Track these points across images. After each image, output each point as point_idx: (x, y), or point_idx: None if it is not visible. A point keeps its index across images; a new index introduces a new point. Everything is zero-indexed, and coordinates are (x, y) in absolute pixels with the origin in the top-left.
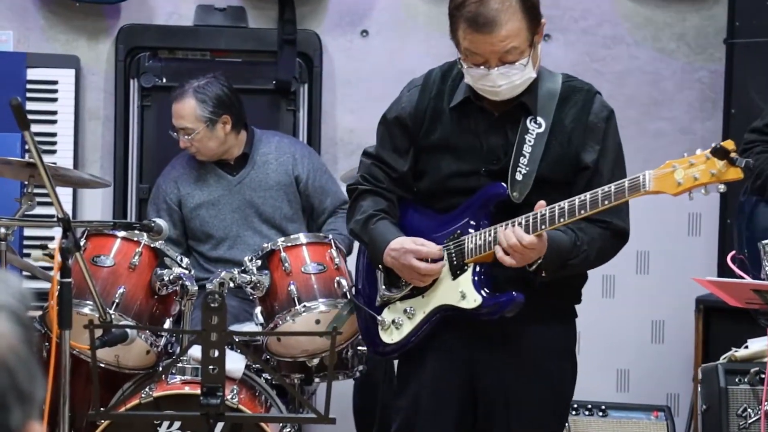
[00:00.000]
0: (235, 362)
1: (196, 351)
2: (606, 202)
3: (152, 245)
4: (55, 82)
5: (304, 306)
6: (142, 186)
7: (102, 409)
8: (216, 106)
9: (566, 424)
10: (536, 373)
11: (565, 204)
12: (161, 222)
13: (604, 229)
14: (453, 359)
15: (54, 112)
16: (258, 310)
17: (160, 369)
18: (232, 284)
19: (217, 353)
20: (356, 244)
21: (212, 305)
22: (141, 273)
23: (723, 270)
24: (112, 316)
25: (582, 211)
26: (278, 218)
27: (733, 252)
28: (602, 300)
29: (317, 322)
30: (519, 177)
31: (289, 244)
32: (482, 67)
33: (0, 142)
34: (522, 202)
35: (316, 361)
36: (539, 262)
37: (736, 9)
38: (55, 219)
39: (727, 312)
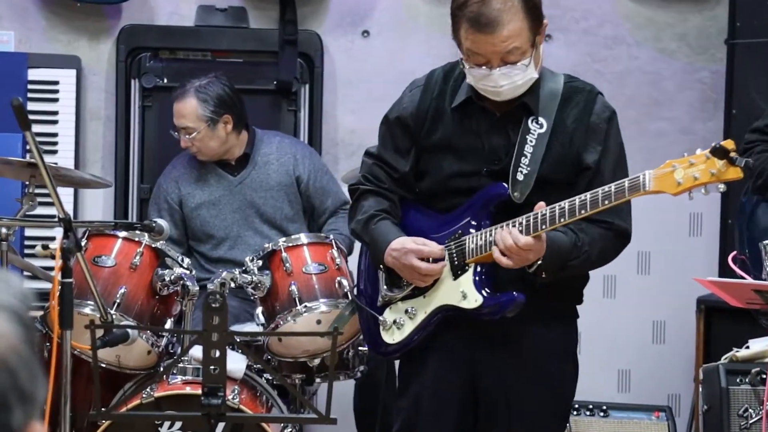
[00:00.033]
0: (237, 362)
1: (197, 351)
2: (606, 202)
3: (153, 245)
4: (56, 83)
5: (305, 306)
6: (143, 186)
7: (103, 409)
8: (217, 105)
9: (567, 425)
10: (536, 374)
11: (565, 204)
12: (162, 222)
13: (606, 230)
14: (454, 359)
15: (55, 113)
16: (259, 310)
17: (162, 369)
18: (233, 284)
19: (218, 353)
20: (357, 245)
21: (213, 305)
22: (142, 273)
23: (724, 270)
24: (113, 317)
25: (582, 211)
26: (279, 218)
27: (734, 252)
28: (603, 300)
29: (318, 322)
30: (520, 177)
31: (290, 245)
32: (484, 67)
33: (1, 142)
34: (523, 203)
35: (317, 361)
36: (539, 263)
37: (737, 9)
38: (56, 219)
39: (728, 312)
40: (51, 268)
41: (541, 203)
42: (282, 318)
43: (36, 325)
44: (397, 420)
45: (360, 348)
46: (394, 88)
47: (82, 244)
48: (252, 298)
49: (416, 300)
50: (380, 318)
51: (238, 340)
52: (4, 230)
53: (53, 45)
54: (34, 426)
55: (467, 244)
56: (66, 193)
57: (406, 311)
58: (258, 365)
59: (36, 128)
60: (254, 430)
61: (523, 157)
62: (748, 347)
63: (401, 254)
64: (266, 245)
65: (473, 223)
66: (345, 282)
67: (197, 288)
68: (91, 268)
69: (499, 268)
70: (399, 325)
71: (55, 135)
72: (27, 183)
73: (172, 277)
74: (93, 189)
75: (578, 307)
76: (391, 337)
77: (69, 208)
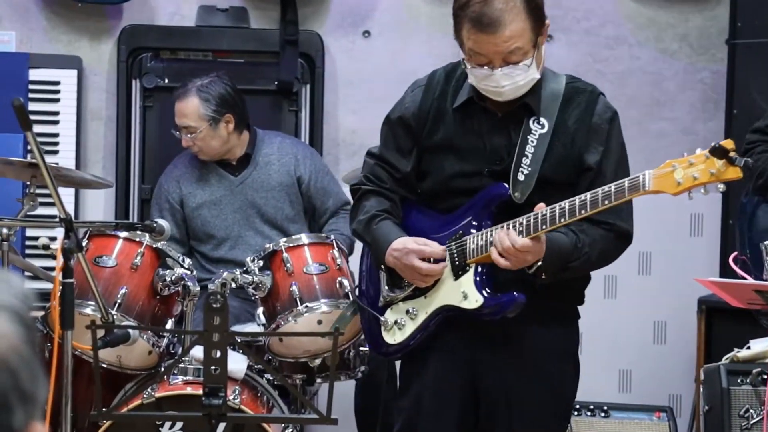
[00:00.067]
0: (237, 363)
1: (198, 351)
2: (606, 202)
3: (154, 246)
4: (57, 83)
5: (306, 306)
6: (144, 186)
7: (104, 409)
8: (219, 105)
9: (568, 425)
10: (537, 375)
11: (565, 204)
12: (163, 222)
13: (607, 231)
14: (455, 360)
15: (56, 113)
16: (260, 310)
17: (162, 369)
18: (234, 285)
19: (219, 354)
20: (358, 245)
21: (214, 306)
22: (143, 273)
23: (725, 270)
24: (114, 317)
25: (582, 211)
26: (280, 219)
27: (735, 253)
28: (604, 300)
29: (319, 322)
30: (521, 177)
31: (291, 245)
32: (486, 67)
33: (2, 142)
34: (524, 203)
35: (318, 361)
36: (539, 264)
37: (738, 9)
38: (57, 219)
39: (729, 312)
40: (52, 269)
41: (541, 204)
42: (283, 318)
43: (37, 326)
44: (398, 420)
45: (361, 348)
46: (395, 88)
47: (83, 244)
48: (253, 298)
49: (417, 300)
50: (381, 318)
51: (239, 340)
52: (5, 230)
53: (54, 45)
54: (36, 426)
55: (468, 245)
56: (67, 194)
57: (407, 311)
58: (259, 365)
59: (37, 128)
60: (255, 430)
61: (524, 158)
62: (749, 347)
63: (402, 254)
64: (267, 245)
65: (474, 223)
66: (346, 282)
67: (198, 288)
68: (92, 269)
69: (499, 269)
70: (400, 325)
71: (56, 135)
72: (28, 183)
73: (173, 277)
74: (94, 189)
75: (579, 307)
76: (392, 337)
77: (70, 208)
